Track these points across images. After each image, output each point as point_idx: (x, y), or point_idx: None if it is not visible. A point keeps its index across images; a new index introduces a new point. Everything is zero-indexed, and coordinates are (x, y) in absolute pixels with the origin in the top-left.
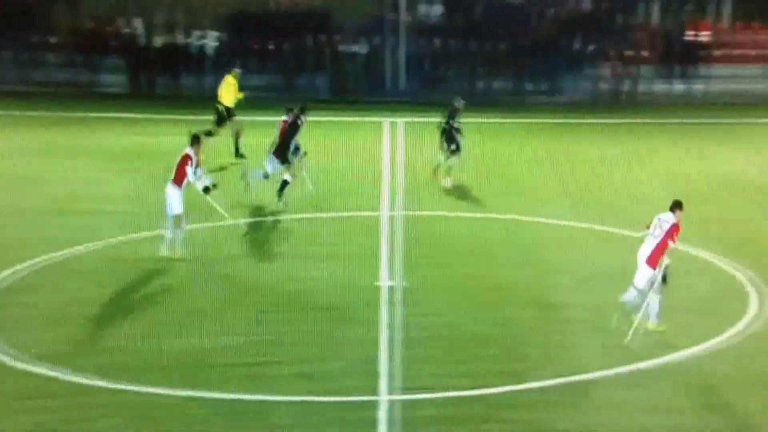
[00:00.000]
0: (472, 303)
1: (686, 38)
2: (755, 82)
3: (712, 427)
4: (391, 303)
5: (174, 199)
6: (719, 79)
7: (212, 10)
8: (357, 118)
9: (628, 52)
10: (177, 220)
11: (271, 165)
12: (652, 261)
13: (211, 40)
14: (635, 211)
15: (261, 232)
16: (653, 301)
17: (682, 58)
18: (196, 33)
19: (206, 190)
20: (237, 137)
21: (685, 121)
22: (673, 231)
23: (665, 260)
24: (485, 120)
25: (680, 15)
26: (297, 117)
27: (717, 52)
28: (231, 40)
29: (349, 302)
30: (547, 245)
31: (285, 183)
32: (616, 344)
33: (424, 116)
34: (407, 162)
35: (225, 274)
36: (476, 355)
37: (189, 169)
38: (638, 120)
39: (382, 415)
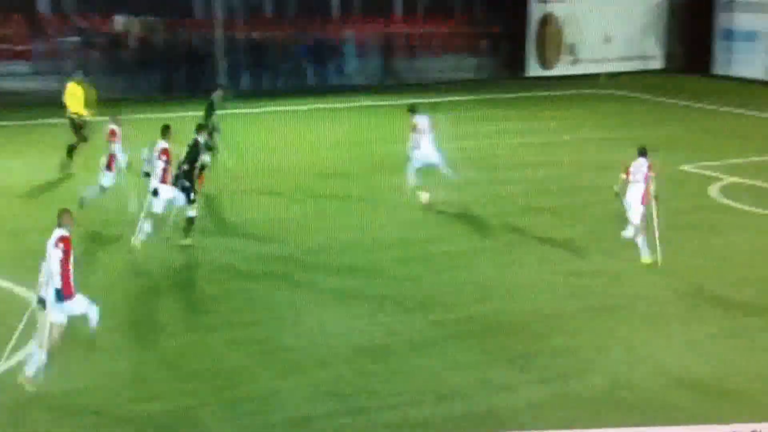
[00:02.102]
0: None
1: None
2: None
3: None
4: None
5: (167, 194)
6: None
7: None
8: None
9: None
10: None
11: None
12: (645, 200)
13: None
14: None
15: None
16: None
17: None
18: None
19: (155, 192)
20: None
21: None
22: (650, 169)
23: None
24: None
25: None
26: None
27: None
28: None
29: None
30: None
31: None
32: None
33: None
34: None
35: None
36: None
37: (159, 163)
38: None
39: None
